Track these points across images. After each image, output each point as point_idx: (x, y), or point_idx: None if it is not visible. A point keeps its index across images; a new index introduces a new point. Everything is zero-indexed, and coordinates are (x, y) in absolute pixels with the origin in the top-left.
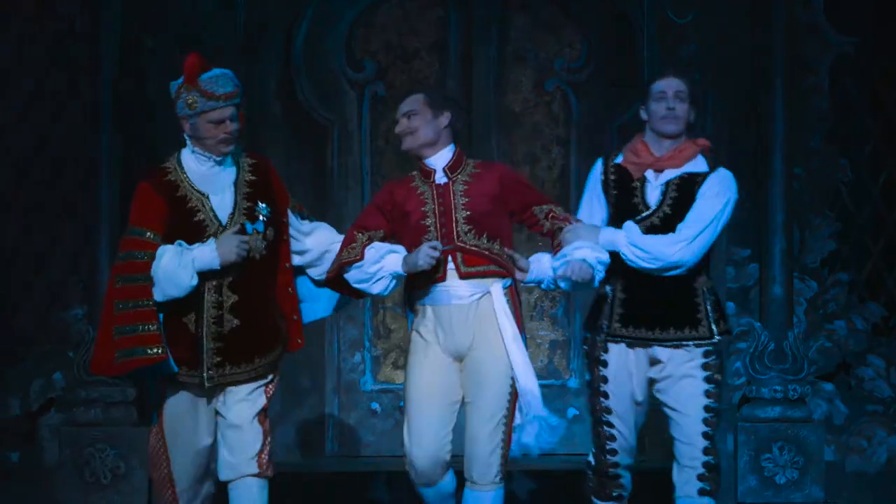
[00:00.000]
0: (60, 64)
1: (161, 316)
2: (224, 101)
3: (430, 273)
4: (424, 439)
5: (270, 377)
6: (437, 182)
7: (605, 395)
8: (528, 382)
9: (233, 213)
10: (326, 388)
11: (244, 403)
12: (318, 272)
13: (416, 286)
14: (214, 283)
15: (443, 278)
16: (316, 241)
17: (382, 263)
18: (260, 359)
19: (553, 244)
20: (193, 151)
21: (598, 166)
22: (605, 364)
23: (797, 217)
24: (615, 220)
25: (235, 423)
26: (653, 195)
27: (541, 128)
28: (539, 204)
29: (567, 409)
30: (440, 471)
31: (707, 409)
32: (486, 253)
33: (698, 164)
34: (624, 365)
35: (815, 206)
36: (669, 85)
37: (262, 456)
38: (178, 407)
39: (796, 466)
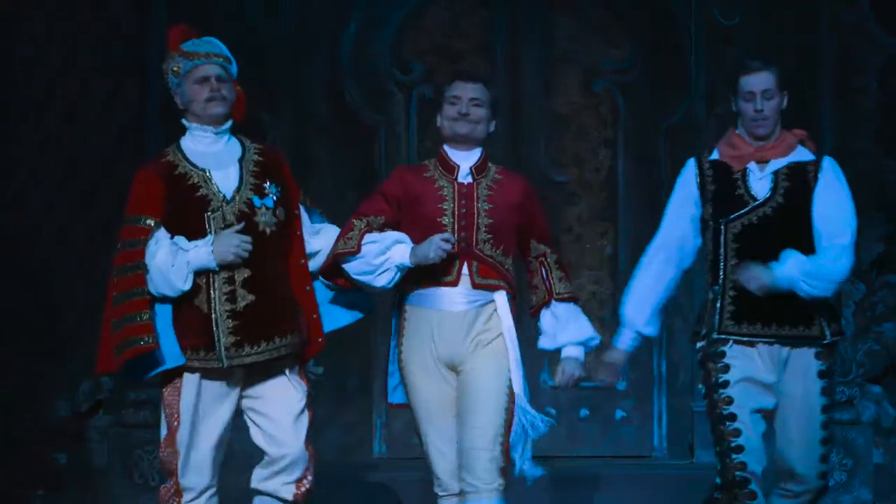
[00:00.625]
0: (106, 66)
1: (167, 306)
2: (205, 59)
3: (439, 275)
4: (448, 450)
5: (303, 390)
6: (460, 180)
7: (729, 401)
8: (523, 397)
9: (238, 188)
10: (374, 390)
11: (282, 400)
12: None
13: (417, 286)
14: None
15: (454, 283)
16: (323, 243)
17: (388, 254)
18: (280, 338)
19: (532, 304)
20: (190, 129)
21: (691, 166)
22: (725, 369)
23: None
24: (715, 216)
25: (275, 416)
26: (759, 186)
27: (588, 130)
28: (539, 240)
29: (615, 411)
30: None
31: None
32: (499, 266)
33: (802, 153)
34: (745, 366)
35: (863, 208)
36: (758, 83)
37: (303, 483)
38: (196, 399)
39: (844, 469)
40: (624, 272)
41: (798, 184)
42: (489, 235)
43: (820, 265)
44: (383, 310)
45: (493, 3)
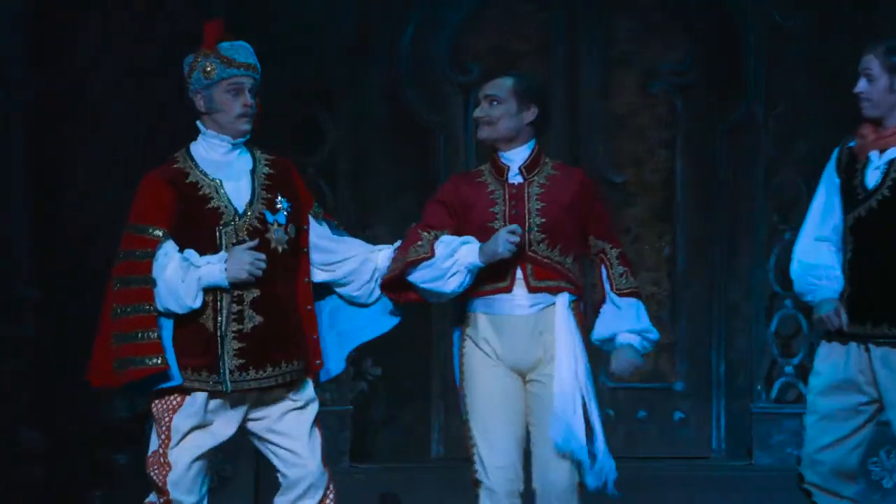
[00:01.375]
0: (166, 67)
1: (170, 321)
2: (244, 70)
3: (494, 280)
4: (496, 468)
5: (314, 407)
6: (510, 181)
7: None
8: (567, 411)
9: (251, 202)
10: (432, 391)
11: (293, 419)
12: (351, 290)
13: (475, 293)
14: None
15: (509, 289)
16: (349, 252)
17: (456, 256)
18: (287, 364)
19: (596, 302)
20: (205, 136)
21: (835, 153)
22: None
23: None
24: (842, 209)
25: (288, 435)
26: (872, 176)
27: (646, 131)
28: (598, 236)
29: (673, 412)
30: (517, 501)
31: None
32: (558, 267)
33: None
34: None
35: None
36: (861, 62)
37: None
38: (196, 418)
39: None
40: (682, 273)
41: None
42: (543, 235)
43: None
44: (440, 309)
45: (552, 4)
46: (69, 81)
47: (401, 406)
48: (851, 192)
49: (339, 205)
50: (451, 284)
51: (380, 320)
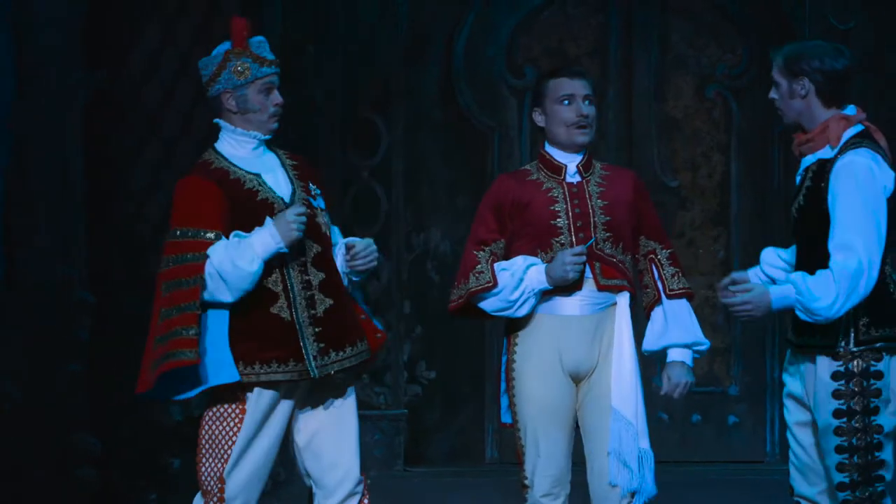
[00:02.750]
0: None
1: (225, 317)
2: (274, 67)
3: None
4: (552, 464)
5: (356, 410)
6: (568, 180)
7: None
8: (627, 410)
9: (293, 191)
10: (486, 395)
11: (340, 420)
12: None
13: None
14: (299, 261)
15: (579, 287)
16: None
17: (524, 284)
18: (361, 342)
19: (644, 304)
20: (233, 133)
21: None
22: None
23: None
24: None
25: (331, 437)
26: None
27: (701, 134)
28: (648, 236)
29: (727, 416)
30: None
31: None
32: (622, 266)
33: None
34: None
35: None
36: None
37: None
38: (260, 419)
39: None
40: None
41: (818, 183)
42: (608, 234)
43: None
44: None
45: (608, 7)
46: (126, 84)
47: (455, 410)
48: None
49: (393, 207)
50: (522, 311)
51: None
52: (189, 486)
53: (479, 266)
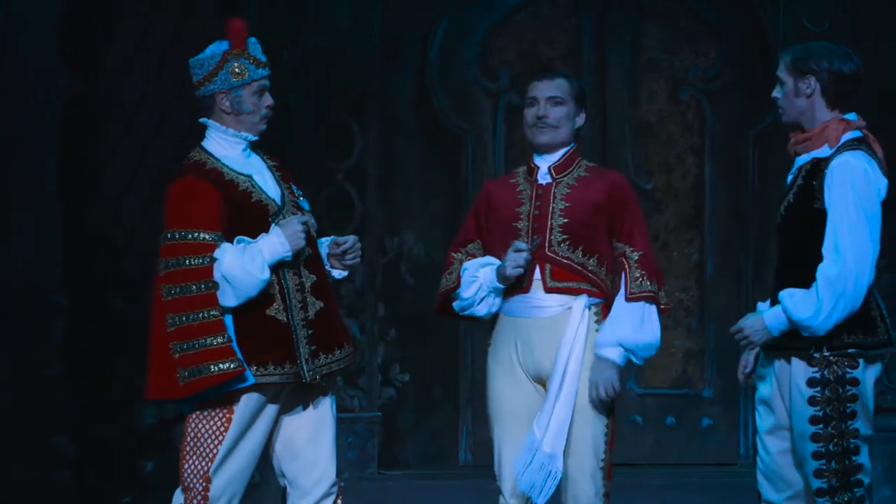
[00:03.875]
0: None
1: (229, 321)
2: (267, 69)
3: (513, 283)
4: (512, 476)
5: (334, 413)
6: (539, 182)
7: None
8: (556, 421)
9: (282, 193)
10: (460, 398)
11: (318, 421)
12: None
13: (503, 293)
14: (293, 263)
15: (526, 290)
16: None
17: (480, 282)
18: (347, 345)
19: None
20: (224, 133)
21: None
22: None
23: None
24: None
25: (309, 439)
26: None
27: (675, 137)
28: (619, 239)
29: (701, 418)
30: None
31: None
32: (579, 268)
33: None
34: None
35: None
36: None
37: None
38: (252, 415)
39: None
40: (711, 280)
41: (810, 182)
42: (564, 236)
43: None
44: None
45: (581, 10)
46: (101, 85)
47: (428, 413)
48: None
49: (367, 210)
50: (482, 309)
51: None
52: (164, 488)
53: (452, 266)
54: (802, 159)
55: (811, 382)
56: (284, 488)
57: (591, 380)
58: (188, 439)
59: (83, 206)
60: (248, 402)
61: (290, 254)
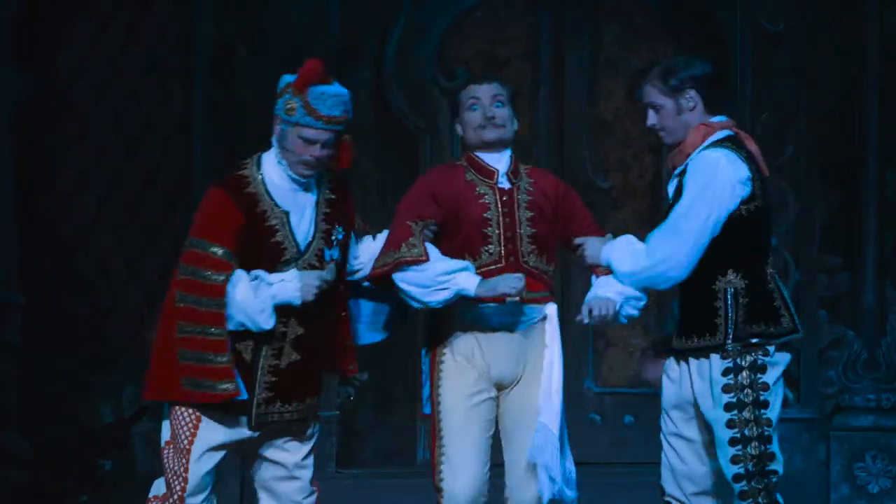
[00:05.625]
0: (153, 72)
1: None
2: (324, 124)
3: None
4: (464, 476)
5: (314, 435)
6: (500, 186)
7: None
8: (554, 425)
9: (312, 237)
10: (419, 396)
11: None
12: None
13: (466, 302)
14: (283, 312)
15: (502, 300)
16: (367, 256)
17: (454, 276)
18: (311, 398)
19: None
20: (276, 158)
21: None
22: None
23: (890, 225)
24: None
25: (289, 466)
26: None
27: (632, 136)
28: (582, 232)
29: (659, 417)
30: None
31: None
32: (545, 277)
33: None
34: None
35: None
36: (644, 97)
37: None
38: (219, 420)
39: (889, 475)
40: None
41: (682, 182)
42: (533, 246)
43: (620, 250)
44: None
45: (539, 9)
46: (56, 84)
47: (387, 411)
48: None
49: None
50: (435, 297)
51: (367, 333)
52: (122, 487)
53: (412, 238)
54: (680, 168)
55: (725, 372)
56: (255, 493)
57: (587, 302)
58: (164, 434)
59: (39, 205)
60: (213, 412)
61: (297, 303)
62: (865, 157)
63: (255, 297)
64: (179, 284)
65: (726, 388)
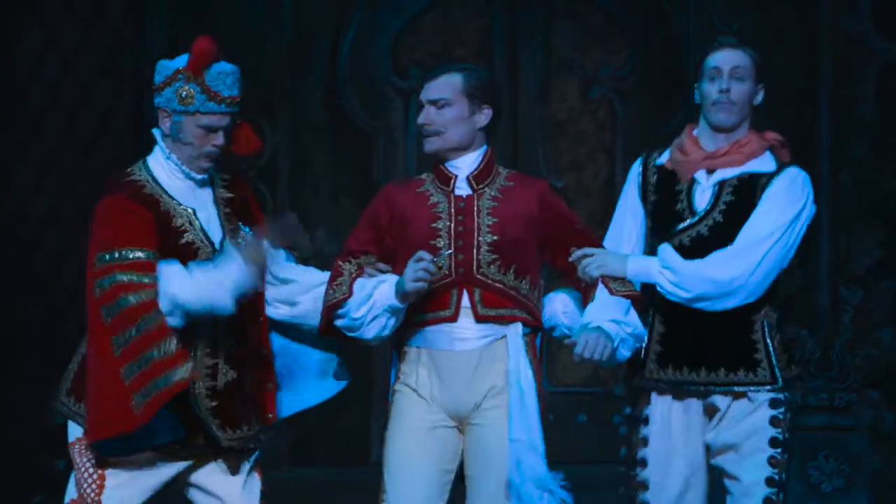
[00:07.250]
0: (106, 72)
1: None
2: (227, 107)
3: (436, 308)
4: None
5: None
6: (457, 193)
7: (643, 464)
8: (533, 438)
9: (223, 235)
10: (373, 396)
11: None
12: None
13: (412, 322)
14: (208, 322)
15: (454, 318)
16: (310, 284)
17: (374, 300)
18: (259, 422)
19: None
20: (167, 159)
21: (636, 168)
22: (645, 421)
23: (843, 225)
24: (654, 234)
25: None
26: (702, 199)
27: (586, 136)
28: (580, 246)
29: (612, 416)
30: None
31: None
32: (512, 293)
33: (764, 163)
34: (668, 422)
35: (862, 215)
36: (727, 59)
37: None
38: (140, 484)
39: (842, 475)
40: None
41: (743, 199)
42: (494, 256)
43: (695, 262)
44: None
45: (492, 10)
46: (9, 84)
47: (341, 411)
48: (674, 216)
49: (278, 208)
50: (372, 330)
51: (324, 384)
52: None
53: (340, 278)
54: (727, 173)
55: (774, 404)
56: None
57: (580, 338)
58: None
59: None
60: (134, 476)
61: (249, 287)
62: (818, 158)
63: (207, 279)
64: (102, 299)
65: (774, 422)
